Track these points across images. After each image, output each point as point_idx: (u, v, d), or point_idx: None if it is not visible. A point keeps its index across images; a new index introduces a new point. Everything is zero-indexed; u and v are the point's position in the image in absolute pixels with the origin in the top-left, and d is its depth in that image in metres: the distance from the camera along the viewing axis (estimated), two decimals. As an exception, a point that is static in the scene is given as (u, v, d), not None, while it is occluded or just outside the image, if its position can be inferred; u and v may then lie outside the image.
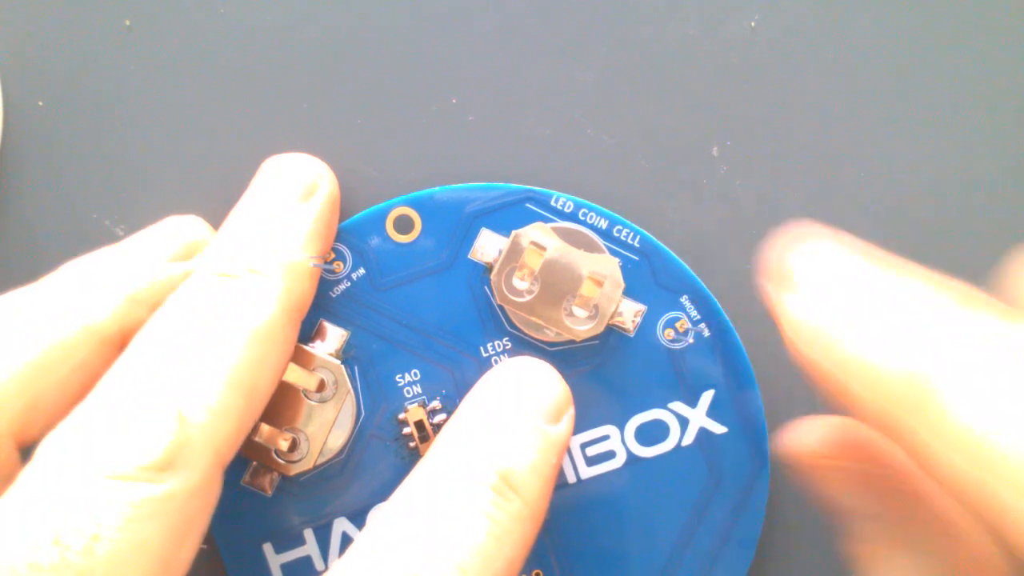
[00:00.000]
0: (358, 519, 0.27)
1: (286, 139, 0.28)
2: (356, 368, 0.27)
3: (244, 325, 0.23)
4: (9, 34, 0.28)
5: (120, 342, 0.24)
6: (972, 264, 0.27)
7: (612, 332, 0.27)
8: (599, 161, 0.28)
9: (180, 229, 0.26)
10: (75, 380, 0.24)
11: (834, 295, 0.19)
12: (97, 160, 0.28)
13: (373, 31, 0.27)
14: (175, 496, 0.21)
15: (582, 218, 0.27)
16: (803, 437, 0.23)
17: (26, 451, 0.23)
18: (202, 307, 0.23)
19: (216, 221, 0.27)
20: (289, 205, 0.25)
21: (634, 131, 0.28)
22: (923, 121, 0.28)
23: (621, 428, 0.27)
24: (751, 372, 0.27)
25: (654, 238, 0.27)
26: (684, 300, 0.27)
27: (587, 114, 0.28)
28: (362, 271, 0.26)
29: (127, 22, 0.28)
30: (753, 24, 0.28)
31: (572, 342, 0.26)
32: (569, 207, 0.27)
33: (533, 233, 0.26)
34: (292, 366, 0.25)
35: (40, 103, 0.28)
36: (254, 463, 0.26)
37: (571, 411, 0.25)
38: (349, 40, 0.27)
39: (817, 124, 0.28)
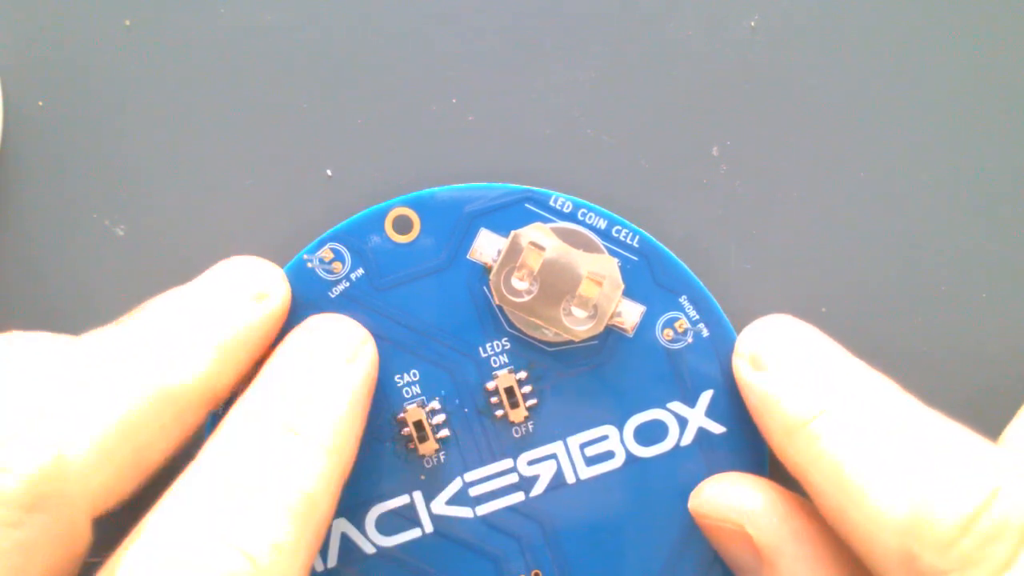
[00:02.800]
0: (357, 519, 0.27)
1: (286, 139, 0.28)
2: (355, 368, 0.27)
3: (155, 380, 0.23)
4: (9, 34, 0.28)
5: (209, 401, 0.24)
6: (972, 264, 0.27)
7: (611, 332, 0.27)
8: (598, 161, 0.28)
9: (252, 270, 0.26)
10: (161, 446, 0.23)
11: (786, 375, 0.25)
12: (97, 160, 0.28)
13: (373, 31, 0.27)
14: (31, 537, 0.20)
15: (581, 218, 0.27)
16: (701, 497, 0.26)
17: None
18: (116, 348, 0.23)
19: (217, 221, 0.27)
20: (239, 299, 0.25)
21: (634, 131, 0.28)
22: (923, 120, 0.28)
23: (620, 428, 0.27)
24: (750, 372, 0.27)
25: (653, 238, 0.27)
26: (683, 300, 0.27)
27: (587, 114, 0.28)
28: (361, 271, 0.26)
29: (127, 22, 0.28)
30: (753, 24, 0.28)
31: (571, 342, 0.26)
32: (568, 207, 0.27)
33: (532, 233, 0.26)
34: None
35: (40, 103, 0.28)
36: (253, 463, 0.26)
37: (367, 349, 0.25)
38: (349, 40, 0.27)
39: (817, 124, 0.28)
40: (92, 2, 0.28)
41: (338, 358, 0.25)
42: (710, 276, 0.27)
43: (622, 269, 0.26)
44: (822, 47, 0.28)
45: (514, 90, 0.28)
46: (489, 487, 0.27)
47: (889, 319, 0.28)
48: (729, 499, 0.26)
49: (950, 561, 0.21)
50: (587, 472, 0.27)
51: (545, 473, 0.27)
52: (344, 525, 0.27)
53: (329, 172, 0.28)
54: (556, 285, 0.25)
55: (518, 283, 0.26)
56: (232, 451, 0.22)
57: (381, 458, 0.27)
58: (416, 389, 0.27)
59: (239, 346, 0.24)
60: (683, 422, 0.27)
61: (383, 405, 0.27)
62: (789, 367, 0.25)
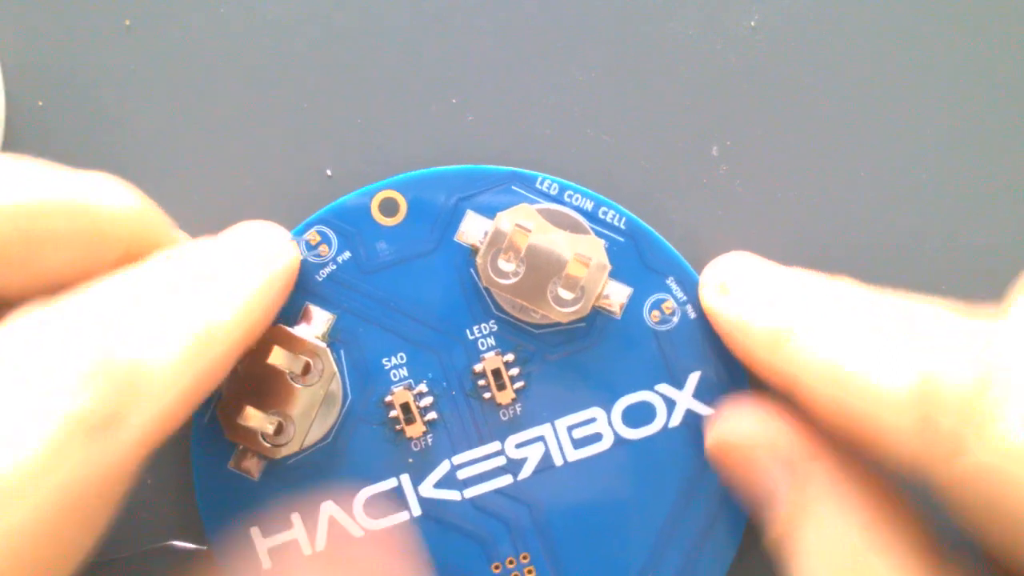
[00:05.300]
0: (345, 502, 0.27)
1: (286, 139, 0.28)
2: (342, 351, 0.27)
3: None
4: (9, 34, 0.28)
5: None
6: (972, 263, 0.27)
7: (598, 314, 0.26)
8: (598, 161, 0.28)
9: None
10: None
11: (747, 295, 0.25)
12: (97, 160, 0.28)
13: (373, 31, 0.28)
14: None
15: (567, 200, 0.27)
16: (724, 426, 0.26)
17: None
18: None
19: (217, 222, 0.28)
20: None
21: (634, 131, 0.28)
22: (924, 120, 0.28)
23: (608, 410, 0.27)
24: (738, 354, 0.27)
25: (640, 219, 0.27)
26: (670, 282, 0.27)
27: (587, 114, 0.28)
28: (348, 254, 0.27)
29: (127, 22, 0.28)
30: (753, 24, 0.28)
31: (558, 324, 0.26)
32: (554, 189, 0.27)
33: (518, 215, 0.26)
34: (278, 349, 0.25)
35: (40, 103, 0.28)
36: (240, 447, 0.26)
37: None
38: (349, 40, 0.28)
39: (817, 124, 0.28)
40: (92, 2, 0.28)
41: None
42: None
43: (609, 250, 0.26)
44: (822, 47, 0.28)
45: (514, 90, 0.28)
46: (477, 470, 0.27)
47: (890, 316, 0.28)
48: (753, 422, 0.25)
49: (969, 421, 0.20)
50: (575, 455, 0.27)
51: (533, 456, 0.27)
52: (332, 508, 0.27)
53: (329, 172, 0.28)
54: (542, 267, 0.25)
55: (505, 265, 0.26)
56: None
57: (368, 441, 0.27)
58: (403, 372, 0.27)
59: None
60: (671, 404, 0.27)
61: (370, 388, 0.27)
62: (760, 285, 0.25)
